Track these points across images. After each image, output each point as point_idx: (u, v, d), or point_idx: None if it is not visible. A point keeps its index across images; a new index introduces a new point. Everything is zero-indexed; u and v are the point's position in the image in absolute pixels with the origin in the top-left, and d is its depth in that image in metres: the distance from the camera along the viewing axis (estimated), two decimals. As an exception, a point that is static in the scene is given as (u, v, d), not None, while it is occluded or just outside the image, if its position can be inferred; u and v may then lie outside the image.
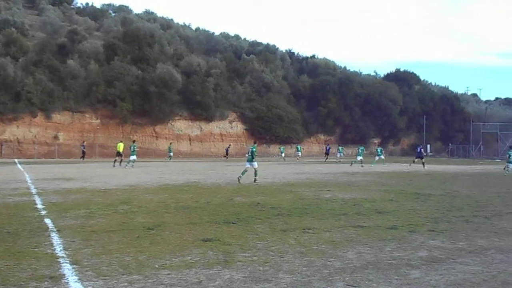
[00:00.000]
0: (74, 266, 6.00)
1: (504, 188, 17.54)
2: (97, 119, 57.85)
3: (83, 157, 46.06)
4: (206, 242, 7.46)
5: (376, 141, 75.42)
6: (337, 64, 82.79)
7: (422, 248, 7.23)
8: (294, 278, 5.54)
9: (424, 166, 31.48)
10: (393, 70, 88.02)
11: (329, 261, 6.35)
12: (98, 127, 57.59)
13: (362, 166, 34.12)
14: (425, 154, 50.40)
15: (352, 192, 15.55)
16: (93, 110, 57.39)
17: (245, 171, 19.85)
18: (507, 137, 71.72)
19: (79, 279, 5.44)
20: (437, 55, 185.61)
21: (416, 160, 34.28)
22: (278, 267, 6.02)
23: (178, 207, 11.55)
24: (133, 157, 32.60)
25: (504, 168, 28.06)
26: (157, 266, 6.01)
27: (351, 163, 36.39)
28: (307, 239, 7.77)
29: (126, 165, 31.72)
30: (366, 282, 5.47)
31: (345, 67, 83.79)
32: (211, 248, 7.05)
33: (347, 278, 5.58)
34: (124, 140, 45.07)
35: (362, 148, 39.23)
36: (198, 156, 58.76)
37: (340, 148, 51.44)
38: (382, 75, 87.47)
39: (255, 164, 20.01)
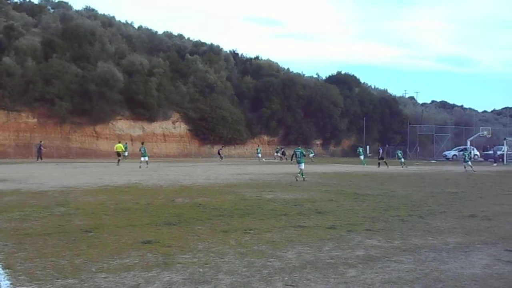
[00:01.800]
0: (7, 270, 5.80)
1: (438, 188, 18.26)
2: (34, 118, 55.79)
3: (40, 157, 42.93)
4: (146, 244, 7.36)
5: (318, 142, 76.80)
6: (281, 65, 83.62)
7: (359, 247, 7.42)
8: (233, 279, 5.56)
9: (386, 166, 35.03)
10: (335, 72, 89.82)
11: (269, 262, 6.41)
12: (35, 127, 55.55)
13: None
14: (368, 155, 52.10)
15: (293, 192, 15.75)
16: (30, 109, 55.30)
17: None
18: (442, 139, 74.67)
19: (11, 284, 5.27)
20: (377, 59, 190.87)
21: (380, 161, 37.37)
22: (218, 268, 6.03)
23: (117, 208, 11.33)
24: (145, 158, 33.74)
25: (465, 168, 31.47)
26: (94, 270, 5.88)
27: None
28: (248, 240, 7.82)
29: (140, 166, 31.79)
30: (305, 281, 5.56)
31: (288, 68, 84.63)
32: (151, 250, 6.97)
33: (286, 278, 5.66)
34: (62, 140, 43.62)
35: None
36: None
37: (258, 149, 55.59)
38: (324, 77, 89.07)
39: (302, 165, 21.89)
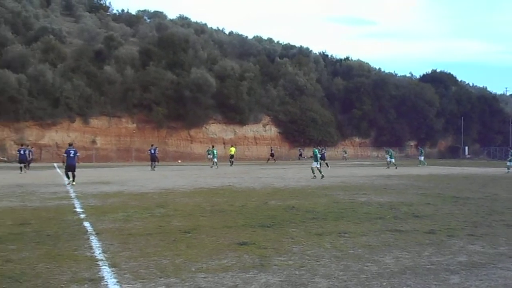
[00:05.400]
0: (113, 268, 6.10)
1: (547, 192, 17.00)
2: (133, 123, 58.83)
3: (157, 160, 36.20)
4: (242, 245, 7.48)
5: (412, 143, 74.38)
6: (372, 65, 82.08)
7: (461, 253, 7.07)
8: (330, 283, 5.50)
9: (327, 166, 32.95)
10: (429, 71, 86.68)
11: (366, 266, 6.28)
12: (134, 132, 58.54)
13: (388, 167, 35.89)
14: (467, 156, 49.89)
15: (388, 195, 15.34)
16: (129, 115, 58.38)
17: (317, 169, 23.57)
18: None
19: (117, 282, 5.53)
20: (474, 55, 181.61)
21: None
22: (314, 271, 5.99)
23: (213, 210, 11.62)
24: (215, 159, 38.39)
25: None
26: (193, 270, 6.06)
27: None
28: (343, 243, 7.71)
29: (211, 166, 37.11)
30: (404, 287, 5.39)
31: (379, 68, 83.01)
32: (247, 251, 7.07)
33: (385, 283, 5.51)
34: (159, 144, 45.55)
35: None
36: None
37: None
38: (418, 76, 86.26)
39: (315, 164, 23.82)
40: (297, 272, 5.94)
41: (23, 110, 50.67)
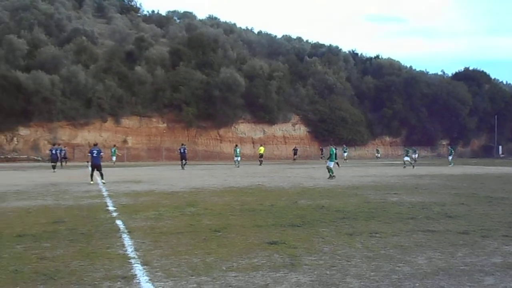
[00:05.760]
0: (145, 266, 6.18)
1: None
2: (163, 123, 59.43)
3: (185, 160, 35.47)
4: (272, 245, 7.48)
5: (445, 142, 73.20)
6: (403, 63, 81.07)
7: (496, 254, 6.93)
8: (362, 283, 5.45)
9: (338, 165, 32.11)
10: (462, 69, 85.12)
11: (398, 266, 6.20)
12: (164, 131, 59.14)
13: (404, 167, 35.33)
14: (501, 155, 49.15)
15: (420, 195, 15.12)
16: (160, 115, 59.01)
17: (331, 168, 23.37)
18: None
19: (150, 280, 5.60)
20: (509, 54, 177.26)
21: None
22: (346, 271, 5.95)
23: (243, 209, 11.65)
24: (238, 158, 39.65)
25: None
26: (224, 268, 6.09)
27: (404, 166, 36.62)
28: (374, 243, 7.63)
29: (235, 165, 38.09)
30: (438, 288, 5.31)
31: (410, 66, 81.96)
32: (277, 251, 7.07)
33: (417, 284, 5.44)
34: (189, 143, 45.94)
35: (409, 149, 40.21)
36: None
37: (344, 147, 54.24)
38: (450, 74, 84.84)
39: (331, 163, 23.55)
40: (328, 272, 5.90)
41: (57, 110, 51.69)
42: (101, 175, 20.89)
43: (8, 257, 6.75)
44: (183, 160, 34.49)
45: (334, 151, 24.39)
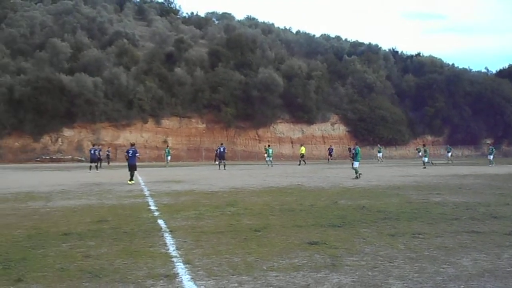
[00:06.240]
0: (187, 265, 6.24)
1: None
2: (202, 123, 60.04)
3: (223, 159, 35.30)
4: (313, 245, 7.43)
5: (489, 141, 71.21)
6: (444, 61, 79.42)
7: (546, 257, 6.69)
8: (405, 285, 5.36)
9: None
10: (506, 65, 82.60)
11: (442, 268, 6.07)
12: (203, 131, 59.72)
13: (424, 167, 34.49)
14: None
15: (464, 195, 14.74)
16: (199, 115, 59.63)
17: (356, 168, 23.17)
18: None
19: (192, 278, 5.65)
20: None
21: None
22: (388, 272, 5.86)
23: (282, 209, 11.63)
24: (269, 158, 39.97)
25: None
26: (265, 268, 6.09)
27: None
28: (417, 245, 7.49)
29: (267, 165, 38.45)
30: (484, 291, 5.17)
31: (453, 64, 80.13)
32: (318, 251, 7.02)
33: (462, 286, 5.30)
34: (228, 143, 46.20)
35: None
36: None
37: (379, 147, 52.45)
38: (494, 72, 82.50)
39: (356, 163, 23.46)
40: (370, 273, 5.83)
41: (99, 112, 52.94)
42: (131, 175, 20.89)
43: (54, 255, 6.93)
44: (222, 160, 34.55)
45: (359, 151, 24.14)
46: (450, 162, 45.36)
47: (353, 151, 24.60)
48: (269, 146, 44.21)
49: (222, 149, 35.15)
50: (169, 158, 44.08)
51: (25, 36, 59.55)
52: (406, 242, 7.66)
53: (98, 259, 6.66)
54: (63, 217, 10.70)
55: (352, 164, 24.31)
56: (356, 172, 22.82)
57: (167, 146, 48.94)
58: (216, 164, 35.58)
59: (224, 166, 34.07)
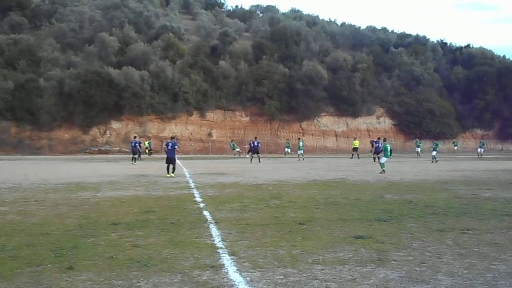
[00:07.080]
0: (232, 257, 6.31)
1: None
2: (246, 116, 60.24)
3: (257, 153, 35.75)
4: (358, 239, 7.37)
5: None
6: (495, 53, 76.74)
7: None
8: (454, 281, 5.25)
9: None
10: (562, 56, 79.20)
11: (492, 265, 5.91)
12: (247, 124, 59.93)
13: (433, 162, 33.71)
14: None
15: (515, 191, 14.28)
16: (243, 108, 59.85)
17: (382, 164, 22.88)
18: None
19: (237, 270, 5.70)
20: None
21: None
22: (436, 268, 5.75)
23: (327, 203, 11.56)
24: (301, 151, 40.40)
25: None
26: (310, 261, 6.08)
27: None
28: (467, 240, 7.31)
29: (299, 159, 38.42)
30: (538, 289, 5.00)
31: (504, 56, 77.32)
32: (364, 245, 6.95)
33: (515, 284, 5.15)
34: (271, 136, 46.15)
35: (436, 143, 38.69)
36: (345, 152, 58.14)
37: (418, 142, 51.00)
38: (549, 63, 79.20)
39: (383, 159, 23.13)
40: (417, 269, 5.73)
41: (146, 104, 53.86)
42: (173, 169, 20.57)
43: (104, 244, 7.13)
44: (257, 154, 34.90)
45: (389, 148, 23.68)
46: (478, 156, 43.78)
47: (381, 147, 24.42)
48: (299, 139, 43.94)
49: (256, 143, 35.65)
50: (238, 149, 46.36)
51: (75, 30, 61.06)
52: (455, 238, 7.50)
53: (146, 248, 6.81)
54: (112, 207, 10.98)
55: (379, 158, 24.12)
56: (382, 166, 22.55)
57: (232, 140, 50.67)
58: (248, 158, 36.00)
59: (259, 159, 34.43)
